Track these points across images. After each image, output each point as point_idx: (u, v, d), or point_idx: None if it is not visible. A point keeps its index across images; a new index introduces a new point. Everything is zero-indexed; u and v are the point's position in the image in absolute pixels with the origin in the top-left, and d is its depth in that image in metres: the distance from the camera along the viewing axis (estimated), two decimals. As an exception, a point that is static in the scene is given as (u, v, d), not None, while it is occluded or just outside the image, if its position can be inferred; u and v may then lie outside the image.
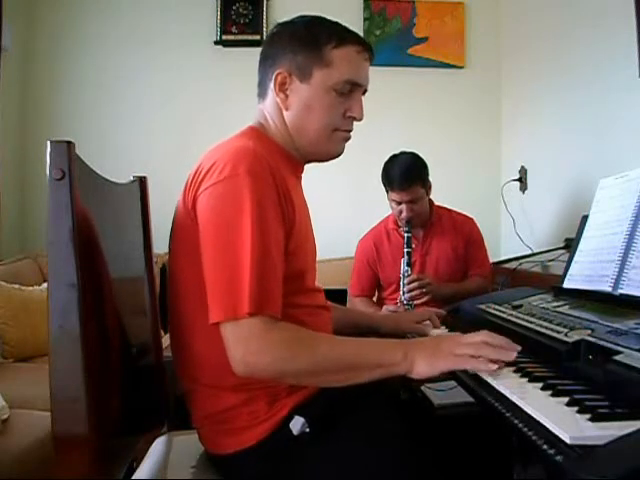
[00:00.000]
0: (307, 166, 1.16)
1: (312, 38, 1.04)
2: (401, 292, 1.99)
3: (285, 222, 0.96)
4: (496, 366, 0.86)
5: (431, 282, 2.00)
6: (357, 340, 0.98)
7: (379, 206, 2.32)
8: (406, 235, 2.05)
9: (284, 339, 0.89)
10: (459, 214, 2.29)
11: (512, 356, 0.87)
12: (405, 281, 1.98)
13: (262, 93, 1.12)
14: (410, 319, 1.35)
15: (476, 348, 0.88)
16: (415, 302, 1.96)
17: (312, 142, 1.08)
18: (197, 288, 0.95)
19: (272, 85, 1.07)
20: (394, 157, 2.14)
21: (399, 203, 2.09)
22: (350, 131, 1.10)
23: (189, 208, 0.98)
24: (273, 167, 0.96)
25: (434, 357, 0.90)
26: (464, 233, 2.22)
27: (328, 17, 1.11)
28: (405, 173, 2.06)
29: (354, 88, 1.07)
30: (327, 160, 1.13)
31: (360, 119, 1.09)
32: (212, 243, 0.92)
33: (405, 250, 2.03)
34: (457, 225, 2.23)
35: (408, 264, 2.01)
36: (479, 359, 0.87)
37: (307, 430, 0.95)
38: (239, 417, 0.98)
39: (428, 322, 1.32)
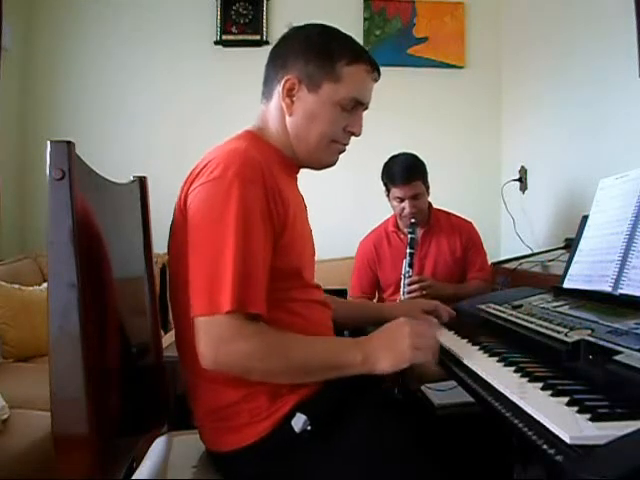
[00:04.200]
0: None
1: (326, 51, 1.06)
2: (401, 292, 1.99)
3: (274, 222, 0.98)
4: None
5: (432, 284, 2.00)
6: (324, 342, 1.02)
7: (379, 206, 2.32)
8: (410, 236, 2.05)
9: (256, 338, 0.92)
10: (458, 217, 2.29)
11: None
12: (406, 281, 1.99)
13: (267, 94, 1.13)
14: (419, 308, 1.33)
15: (428, 338, 0.99)
16: None
17: (309, 150, 1.10)
18: None
19: (280, 89, 1.08)
20: (394, 157, 2.16)
21: (402, 200, 2.10)
22: (347, 144, 1.13)
23: (182, 206, 1.01)
24: (264, 167, 0.98)
25: (396, 356, 0.95)
26: (462, 236, 2.22)
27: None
28: (407, 168, 2.09)
29: (357, 105, 1.09)
30: (319, 169, 1.15)
31: (359, 135, 1.12)
32: (197, 240, 0.96)
33: (408, 251, 2.03)
34: (455, 228, 2.24)
35: (410, 265, 2.01)
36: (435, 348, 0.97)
37: (309, 428, 0.96)
38: (240, 414, 0.99)
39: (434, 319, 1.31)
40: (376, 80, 1.12)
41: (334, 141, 1.10)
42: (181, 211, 1.02)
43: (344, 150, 1.13)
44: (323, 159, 1.12)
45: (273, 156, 1.08)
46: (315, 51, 1.06)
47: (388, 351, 0.96)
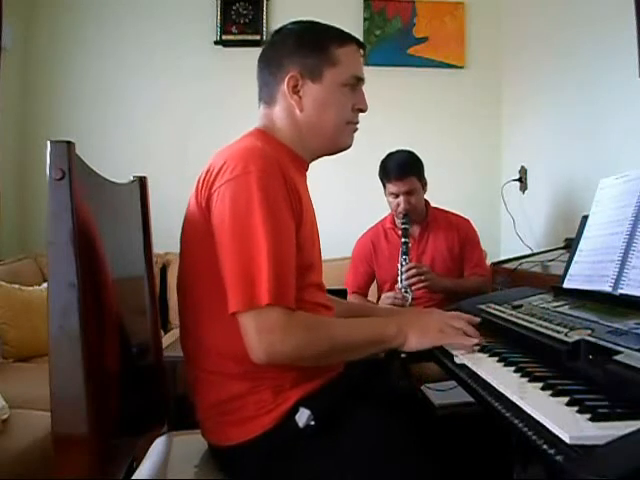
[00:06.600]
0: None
1: (317, 40, 1.11)
2: (399, 280, 2.01)
3: (294, 216, 1.00)
4: (476, 340, 1.03)
5: (429, 271, 2.03)
6: (360, 321, 1.14)
7: (379, 206, 2.32)
8: (403, 226, 2.08)
9: (303, 327, 0.96)
10: (455, 215, 2.30)
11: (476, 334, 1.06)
12: (403, 269, 2.00)
13: (268, 98, 1.14)
14: None
15: (455, 322, 1.07)
16: (413, 288, 1.98)
17: (328, 137, 1.13)
18: (206, 281, 1.00)
19: (284, 88, 1.10)
20: (390, 154, 2.19)
21: (396, 196, 2.12)
22: (358, 123, 1.16)
23: (202, 207, 1.01)
24: (281, 165, 1.00)
25: (423, 334, 1.05)
26: (459, 233, 2.24)
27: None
28: (402, 164, 2.12)
29: (358, 82, 1.14)
30: (338, 152, 1.19)
31: (366, 110, 1.16)
32: (229, 239, 0.96)
33: (402, 240, 2.06)
34: (452, 225, 2.25)
35: (405, 253, 2.03)
36: (460, 334, 1.04)
37: (312, 423, 0.96)
38: (245, 407, 1.00)
39: None
40: (362, 56, 1.17)
41: (348, 122, 1.14)
42: (202, 212, 1.01)
43: (357, 129, 1.17)
44: (342, 143, 1.16)
45: (285, 153, 1.10)
46: (308, 44, 1.10)
47: (416, 329, 1.05)
